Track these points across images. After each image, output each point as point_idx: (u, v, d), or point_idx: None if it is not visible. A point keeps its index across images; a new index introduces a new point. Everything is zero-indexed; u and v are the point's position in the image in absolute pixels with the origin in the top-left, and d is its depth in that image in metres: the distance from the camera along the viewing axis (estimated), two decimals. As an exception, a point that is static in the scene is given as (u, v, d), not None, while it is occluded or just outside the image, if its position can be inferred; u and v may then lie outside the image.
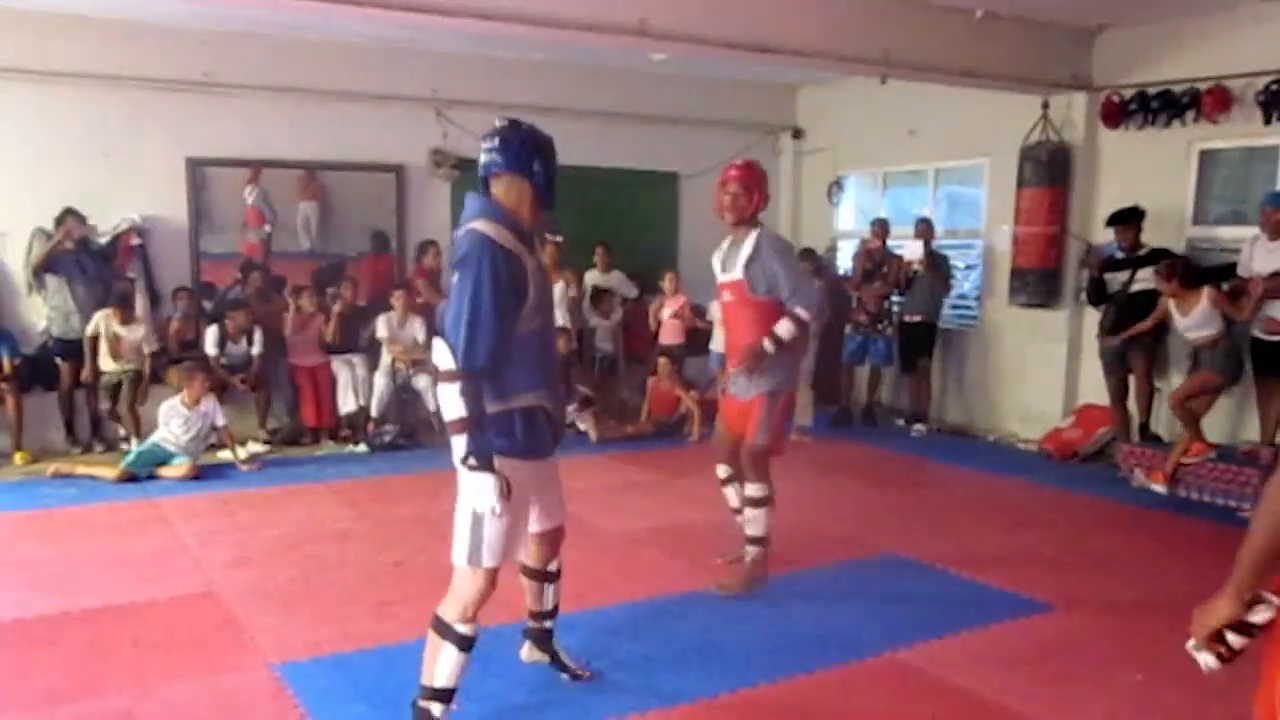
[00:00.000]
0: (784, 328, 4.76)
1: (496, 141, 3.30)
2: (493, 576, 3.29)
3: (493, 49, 9.42)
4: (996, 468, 8.04)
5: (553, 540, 3.77)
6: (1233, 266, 7.24)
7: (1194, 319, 6.94)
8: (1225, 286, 7.10)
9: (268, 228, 9.28)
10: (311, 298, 8.79)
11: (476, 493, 3.13)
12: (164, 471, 7.28)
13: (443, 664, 3.27)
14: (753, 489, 4.93)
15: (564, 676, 3.95)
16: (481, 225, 3.16)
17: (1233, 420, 7.63)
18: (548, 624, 3.95)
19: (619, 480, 7.50)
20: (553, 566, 3.85)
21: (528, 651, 4.04)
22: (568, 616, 4.18)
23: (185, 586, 5.08)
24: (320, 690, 3.85)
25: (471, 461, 3.09)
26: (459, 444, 3.11)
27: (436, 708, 3.29)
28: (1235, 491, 6.79)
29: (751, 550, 4.98)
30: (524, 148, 3.30)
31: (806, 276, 5.35)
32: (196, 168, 8.82)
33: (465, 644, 3.27)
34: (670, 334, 9.55)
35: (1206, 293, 6.89)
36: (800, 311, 4.76)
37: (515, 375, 3.23)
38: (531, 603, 3.91)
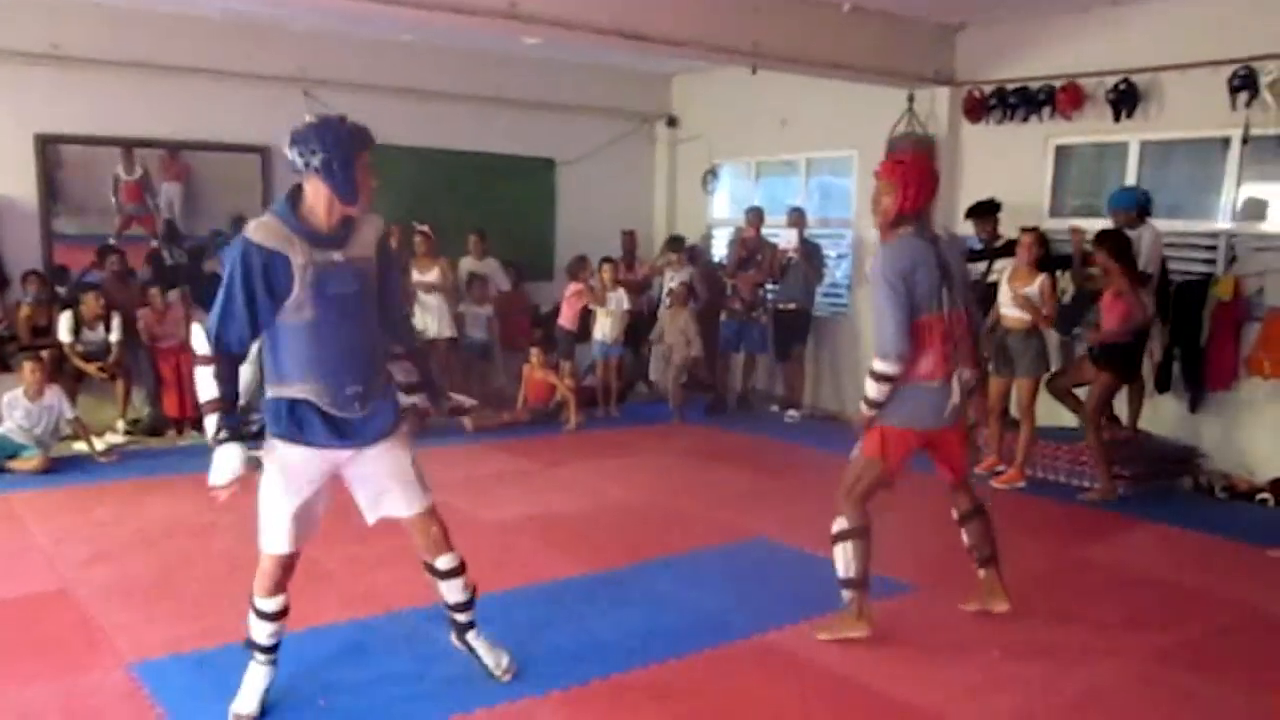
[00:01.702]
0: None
1: (291, 145, 3.34)
2: (280, 561, 3.52)
3: (361, 28, 9.21)
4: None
5: (422, 532, 3.71)
6: (1069, 260, 7.54)
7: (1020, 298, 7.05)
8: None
9: (151, 202, 8.94)
10: (162, 292, 8.47)
11: (217, 468, 3.30)
12: (13, 465, 6.94)
13: (254, 627, 3.61)
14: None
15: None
16: (250, 225, 3.34)
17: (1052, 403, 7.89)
18: (457, 616, 3.88)
19: (494, 469, 7.45)
20: (440, 563, 3.77)
21: (454, 639, 3.98)
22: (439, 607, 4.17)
23: (37, 585, 4.86)
24: (179, 688, 3.75)
25: (221, 435, 3.30)
26: (210, 424, 3.33)
27: (258, 655, 3.62)
28: (1088, 472, 7.10)
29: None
30: (318, 149, 3.30)
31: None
32: (47, 145, 8.41)
33: (264, 616, 3.57)
34: (568, 320, 9.60)
35: (1041, 279, 7.04)
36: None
37: (284, 364, 3.39)
38: (441, 595, 3.87)
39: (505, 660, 3.90)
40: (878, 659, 4.19)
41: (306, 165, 3.31)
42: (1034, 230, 7.24)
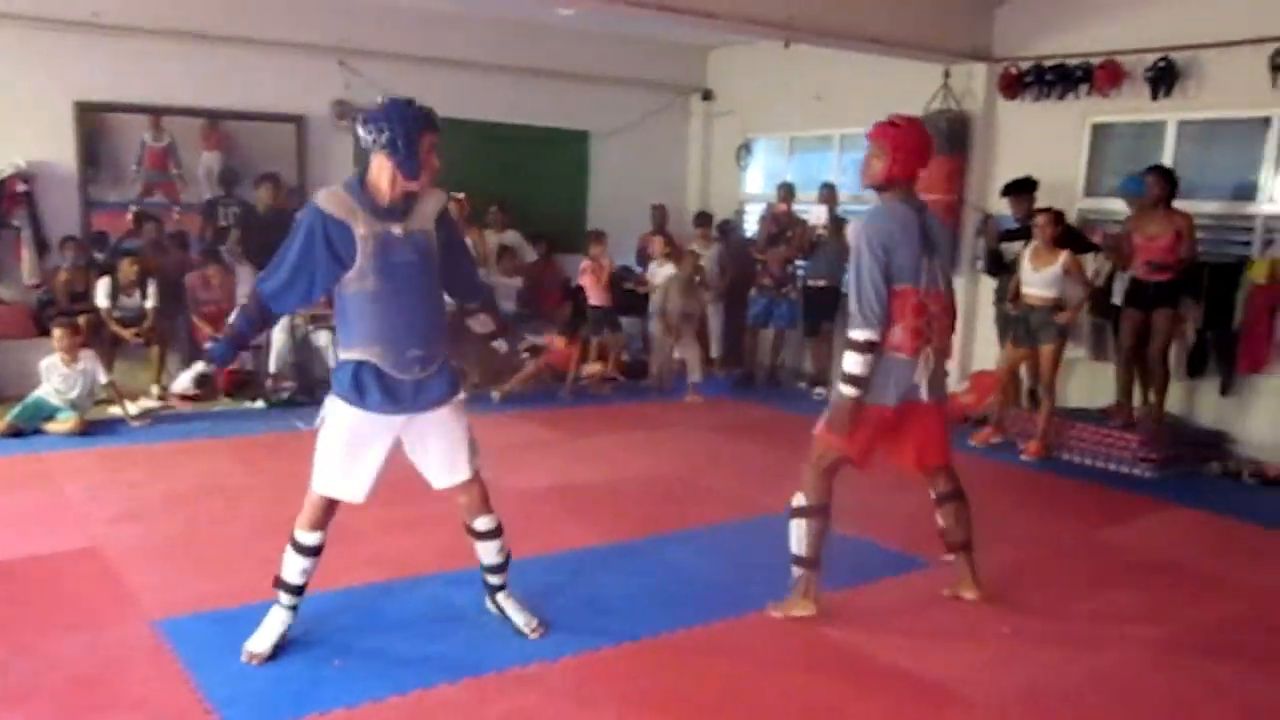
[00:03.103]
0: None
1: (363, 123, 3.57)
2: (322, 503, 3.72)
3: (398, -1, 9.29)
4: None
5: (465, 494, 3.90)
6: (1096, 247, 7.58)
7: (1043, 276, 7.11)
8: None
9: (175, 170, 9.03)
10: (219, 269, 8.58)
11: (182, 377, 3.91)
12: (50, 426, 7.08)
13: (287, 562, 3.78)
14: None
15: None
16: (319, 194, 3.60)
17: (1088, 385, 8.04)
18: (490, 578, 4.07)
19: (521, 439, 7.50)
20: (479, 524, 3.96)
21: (487, 601, 4.15)
22: (464, 573, 4.29)
23: (66, 542, 4.98)
24: (200, 645, 3.82)
25: (206, 346, 3.83)
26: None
27: (283, 596, 3.79)
28: (1115, 455, 7.07)
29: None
30: (385, 127, 3.51)
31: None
32: (86, 112, 8.52)
33: (300, 549, 3.75)
34: (593, 296, 9.56)
35: (1064, 256, 7.07)
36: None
37: (351, 329, 3.62)
38: (478, 555, 4.06)
39: (535, 620, 4.04)
40: (890, 633, 4.21)
41: (374, 142, 3.52)
42: (1049, 210, 7.23)
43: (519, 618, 4.04)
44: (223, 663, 3.70)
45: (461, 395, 3.86)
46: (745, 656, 3.97)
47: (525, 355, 8.87)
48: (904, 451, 4.33)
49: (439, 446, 3.81)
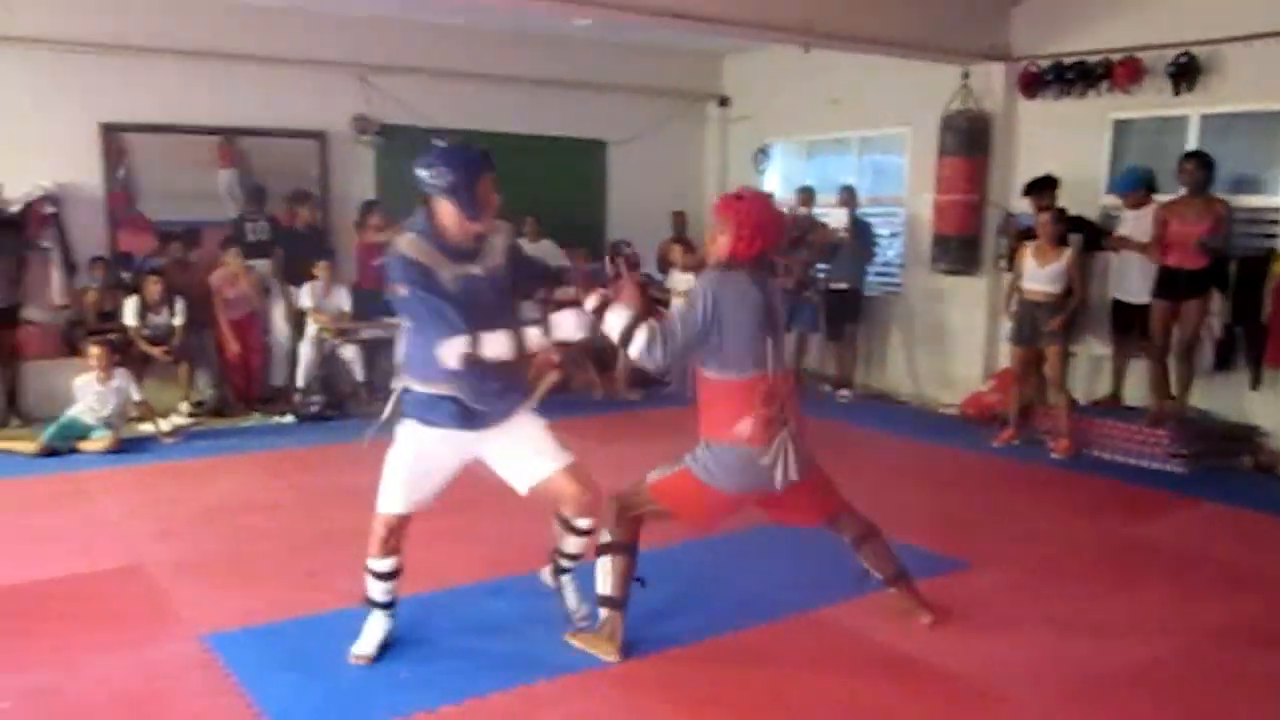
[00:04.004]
0: None
1: (423, 168, 3.61)
2: (389, 522, 3.77)
3: (415, 13, 9.33)
4: (918, 432, 8.24)
5: (569, 483, 3.87)
6: (1101, 233, 7.74)
7: (1047, 272, 7.22)
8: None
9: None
10: (239, 255, 8.62)
11: None
12: (84, 445, 7.14)
13: (370, 587, 3.91)
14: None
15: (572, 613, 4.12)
16: (401, 244, 3.63)
17: (1087, 379, 8.17)
18: (563, 561, 4.12)
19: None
20: (581, 523, 3.98)
21: (547, 574, 4.20)
22: (507, 582, 4.42)
23: (110, 561, 5.02)
24: (251, 660, 3.86)
25: None
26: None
27: (377, 610, 3.95)
28: (1146, 452, 7.06)
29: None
30: (444, 173, 3.58)
31: None
32: (111, 133, 8.60)
33: (379, 576, 3.87)
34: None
35: (1068, 254, 7.21)
36: None
37: (425, 367, 3.67)
38: (557, 540, 4.10)
39: (584, 609, 4.09)
40: (930, 633, 4.21)
41: (436, 187, 3.59)
42: (1051, 208, 7.40)
43: (572, 601, 4.11)
44: (274, 676, 3.74)
45: (528, 403, 3.91)
46: (788, 659, 3.99)
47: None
48: (788, 517, 4.15)
49: (532, 444, 3.86)
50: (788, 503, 3.95)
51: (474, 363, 3.55)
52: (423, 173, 3.60)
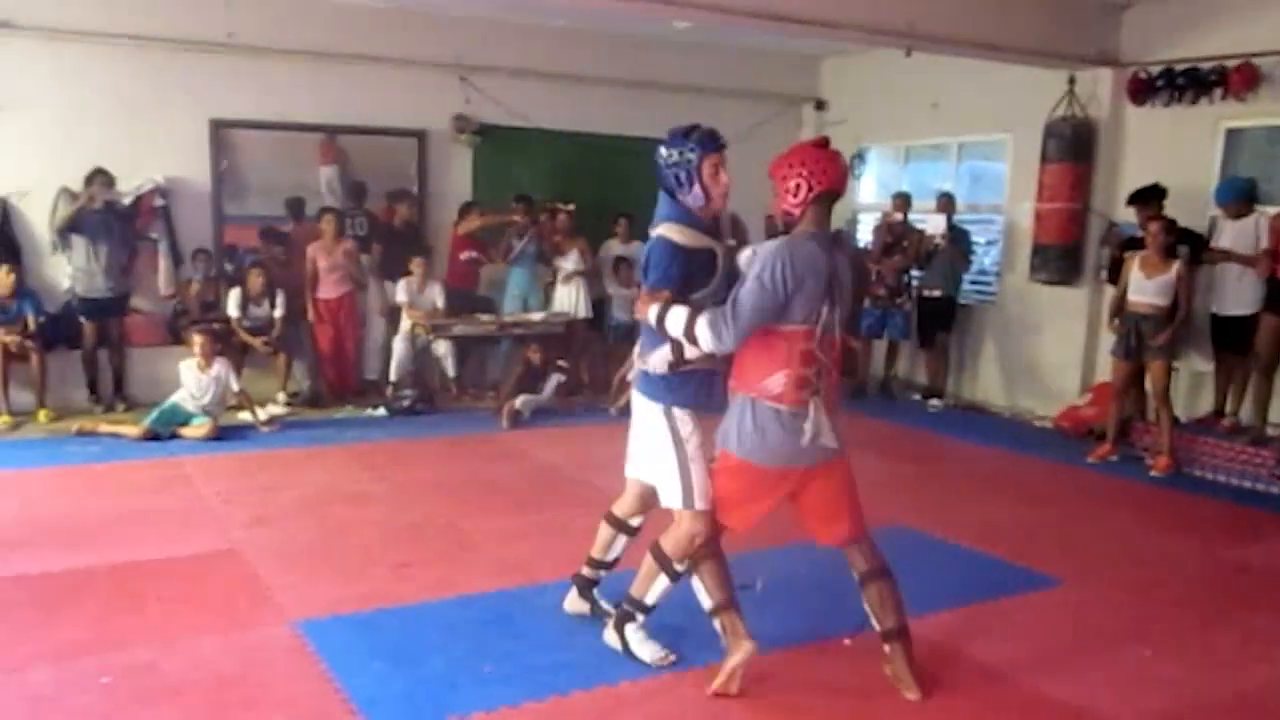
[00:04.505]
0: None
1: (670, 148, 3.70)
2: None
3: (515, 14, 9.43)
4: (1011, 444, 8.06)
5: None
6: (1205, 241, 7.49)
7: (1155, 284, 7.02)
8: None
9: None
10: (335, 222, 8.77)
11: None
12: (185, 431, 7.36)
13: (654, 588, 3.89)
14: None
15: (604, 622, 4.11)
16: (672, 235, 3.65)
17: (1187, 395, 7.93)
18: (601, 573, 4.19)
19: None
20: (634, 521, 4.11)
21: (571, 601, 4.25)
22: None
23: (207, 544, 5.17)
24: (341, 648, 3.93)
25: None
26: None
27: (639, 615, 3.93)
28: (1250, 472, 6.82)
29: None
30: (685, 154, 3.66)
31: None
32: (219, 129, 8.85)
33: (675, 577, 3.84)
34: None
35: (1177, 265, 7.00)
36: None
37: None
38: (597, 550, 4.18)
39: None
40: (1024, 653, 4.12)
41: (681, 169, 3.65)
42: (1161, 218, 7.17)
43: (605, 603, 4.20)
44: (362, 664, 3.80)
45: None
46: (875, 670, 3.92)
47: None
48: (807, 522, 3.78)
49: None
50: (818, 500, 3.68)
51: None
52: (671, 153, 3.67)
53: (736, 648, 3.65)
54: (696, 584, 3.78)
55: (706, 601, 3.75)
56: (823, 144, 3.62)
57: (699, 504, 3.67)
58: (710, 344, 3.44)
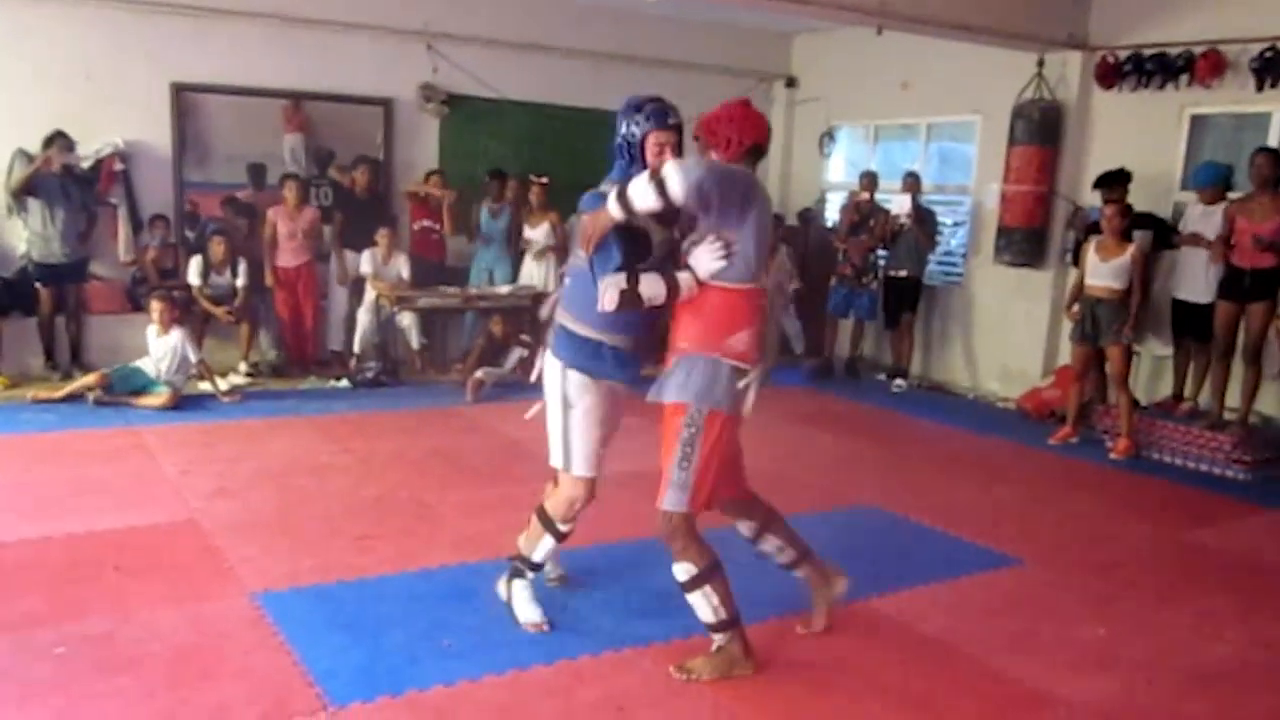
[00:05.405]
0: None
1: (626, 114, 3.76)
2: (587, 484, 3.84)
3: (486, -16, 9.34)
4: (974, 425, 8.12)
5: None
6: (1171, 230, 7.52)
7: (1111, 267, 7.07)
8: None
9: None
10: (298, 190, 8.64)
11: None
12: (142, 401, 7.26)
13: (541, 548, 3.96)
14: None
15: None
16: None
17: (1147, 379, 8.05)
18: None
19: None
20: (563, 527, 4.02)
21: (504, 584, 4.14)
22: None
23: (166, 515, 5.10)
24: (300, 620, 3.90)
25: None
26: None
27: (530, 573, 4.01)
28: (1207, 456, 6.91)
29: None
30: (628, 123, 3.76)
31: None
32: (181, 93, 8.69)
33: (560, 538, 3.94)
34: None
35: (1132, 249, 7.06)
36: None
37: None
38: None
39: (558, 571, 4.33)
40: (983, 631, 4.16)
41: (629, 145, 3.77)
42: (1117, 202, 7.21)
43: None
44: (322, 636, 3.77)
45: None
46: (834, 649, 3.95)
47: None
48: (724, 475, 3.76)
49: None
50: (736, 452, 3.91)
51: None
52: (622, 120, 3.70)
53: (742, 668, 3.67)
54: (695, 602, 3.63)
55: (711, 617, 3.62)
56: (746, 103, 3.74)
57: (577, 469, 3.78)
58: (678, 182, 3.27)
